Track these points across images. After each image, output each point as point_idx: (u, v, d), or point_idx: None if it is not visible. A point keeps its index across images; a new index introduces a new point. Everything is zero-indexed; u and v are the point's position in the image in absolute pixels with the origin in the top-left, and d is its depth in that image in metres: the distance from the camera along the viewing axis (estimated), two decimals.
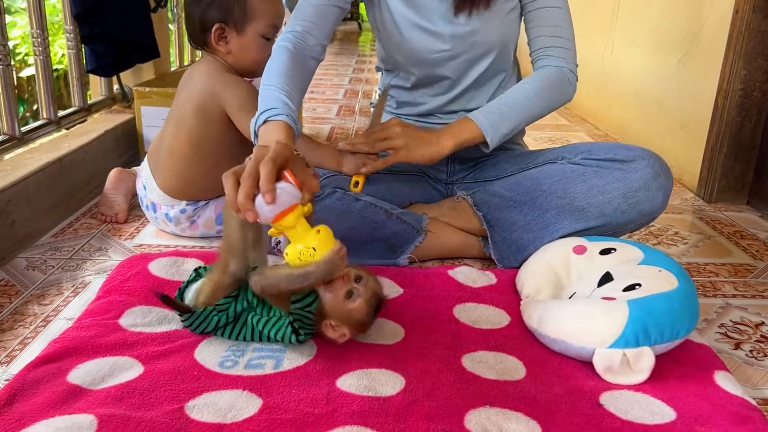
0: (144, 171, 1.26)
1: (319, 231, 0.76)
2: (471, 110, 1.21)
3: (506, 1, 1.12)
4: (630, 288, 0.84)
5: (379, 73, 1.32)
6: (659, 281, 0.84)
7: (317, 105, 2.67)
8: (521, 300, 0.96)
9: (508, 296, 0.98)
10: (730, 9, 1.51)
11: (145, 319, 0.85)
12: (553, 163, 1.13)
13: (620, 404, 0.72)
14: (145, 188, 1.25)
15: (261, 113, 0.87)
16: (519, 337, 0.86)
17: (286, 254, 0.76)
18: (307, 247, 0.74)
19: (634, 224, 1.06)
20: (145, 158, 1.28)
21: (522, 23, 1.18)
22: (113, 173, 1.36)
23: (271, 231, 0.76)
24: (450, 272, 1.04)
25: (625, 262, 0.92)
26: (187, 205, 1.23)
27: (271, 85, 0.92)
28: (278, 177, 0.73)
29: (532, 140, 2.18)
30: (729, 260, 1.24)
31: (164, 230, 1.26)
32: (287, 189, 0.73)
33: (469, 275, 1.03)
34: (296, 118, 0.89)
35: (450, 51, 1.13)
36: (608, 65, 2.32)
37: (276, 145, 0.74)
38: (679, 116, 1.77)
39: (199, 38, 1.21)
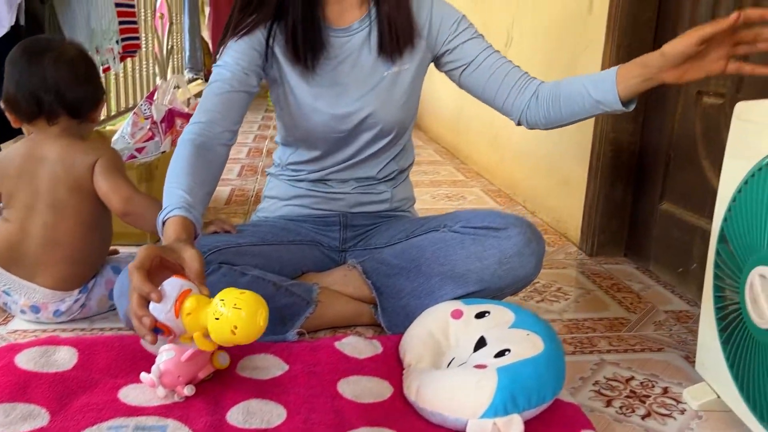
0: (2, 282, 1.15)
1: (240, 307, 0.77)
2: (363, 178, 1.25)
3: (407, 87, 1.17)
4: (500, 354, 0.88)
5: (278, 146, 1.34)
6: (526, 346, 0.88)
7: None
8: (403, 369, 0.98)
9: (392, 366, 1.00)
10: None
11: (7, 418, 0.81)
12: (436, 230, 1.17)
13: None
14: (9, 294, 1.15)
15: (160, 214, 0.90)
16: (400, 411, 0.88)
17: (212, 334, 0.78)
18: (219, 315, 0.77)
19: (511, 288, 1.11)
20: None
21: (460, 82, 1.20)
22: None
23: (183, 337, 0.80)
24: (337, 344, 1.05)
25: (498, 325, 0.96)
26: (79, 293, 1.18)
27: (171, 183, 0.94)
28: (160, 274, 0.80)
29: (430, 197, 2.26)
30: (606, 314, 1.31)
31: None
32: (168, 282, 0.78)
33: (355, 346, 1.04)
34: (195, 206, 0.91)
35: (350, 131, 1.17)
36: (499, 121, 2.45)
37: (140, 252, 0.78)
38: (562, 174, 1.89)
39: (85, 114, 1.19)
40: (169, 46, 3.98)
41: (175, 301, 0.77)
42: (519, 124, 1.18)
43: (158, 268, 0.81)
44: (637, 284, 1.49)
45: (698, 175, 1.40)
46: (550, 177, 1.98)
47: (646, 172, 1.60)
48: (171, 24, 3.92)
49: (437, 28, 1.16)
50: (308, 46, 1.11)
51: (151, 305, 0.78)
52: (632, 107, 1.04)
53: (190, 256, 0.81)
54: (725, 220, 0.94)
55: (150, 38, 3.54)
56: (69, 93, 1.13)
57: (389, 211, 1.31)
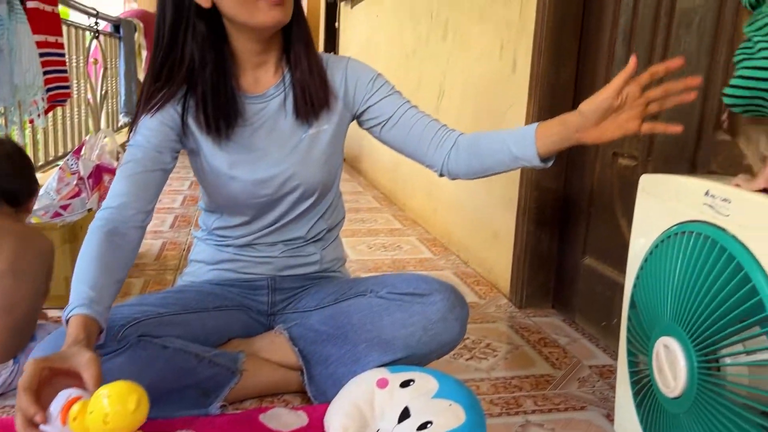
0: None
1: (108, 396, 0.74)
2: (292, 239, 1.25)
3: (327, 147, 1.19)
4: (423, 426, 0.88)
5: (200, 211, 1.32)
6: (449, 417, 0.89)
7: None
8: None
9: None
10: None
11: None
12: (363, 295, 1.18)
13: None
14: None
15: (64, 312, 0.88)
16: None
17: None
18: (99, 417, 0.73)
19: (436, 353, 1.12)
20: None
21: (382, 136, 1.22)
22: None
23: None
24: (261, 417, 1.03)
25: (422, 395, 0.97)
26: (14, 363, 1.15)
27: (77, 277, 0.92)
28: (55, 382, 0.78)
29: (367, 247, 2.27)
30: (533, 371, 1.34)
31: None
32: (56, 398, 0.76)
33: (280, 419, 1.03)
34: (99, 300, 0.89)
35: (273, 195, 1.17)
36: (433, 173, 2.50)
37: (27, 368, 0.76)
38: (492, 225, 1.94)
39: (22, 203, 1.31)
40: (104, 91, 3.90)
41: (60, 411, 0.76)
42: (441, 175, 1.20)
43: (51, 377, 0.79)
44: (564, 338, 1.52)
45: (616, 232, 1.46)
46: (480, 228, 2.02)
47: (569, 226, 1.66)
48: (105, 69, 3.86)
49: (353, 87, 1.19)
50: (222, 115, 1.10)
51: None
52: (551, 163, 1.07)
53: (85, 362, 0.78)
54: (635, 286, 0.99)
55: (83, 84, 3.47)
56: (7, 184, 1.26)
57: (319, 272, 1.31)
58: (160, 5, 1.08)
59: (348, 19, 4.48)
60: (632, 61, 0.93)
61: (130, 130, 1.12)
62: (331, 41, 5.23)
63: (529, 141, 1.04)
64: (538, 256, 1.70)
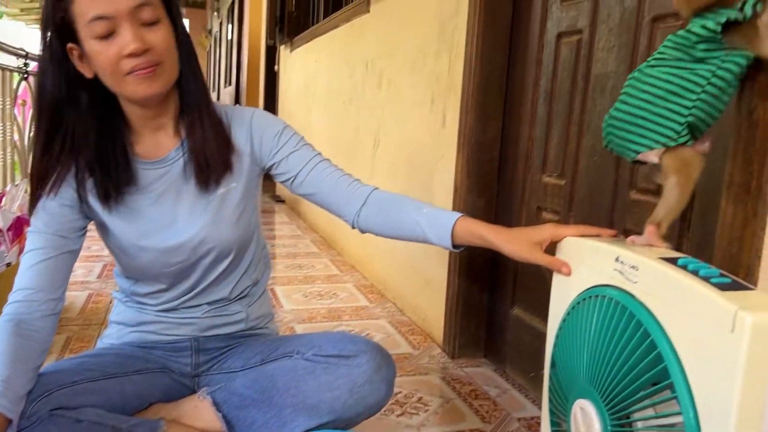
0: None
1: None
2: (216, 300, 1.22)
3: (237, 205, 1.16)
4: None
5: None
6: None
7: (76, 265, 2.50)
8: None
9: None
10: (451, 189, 1.74)
11: None
12: (289, 357, 1.16)
13: None
14: None
15: None
16: None
17: None
18: None
19: (363, 416, 1.11)
20: None
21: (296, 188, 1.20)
22: None
23: None
24: None
25: None
26: None
27: None
28: None
29: (302, 296, 2.24)
30: (462, 426, 1.34)
31: None
32: None
33: None
34: (7, 393, 0.88)
35: (186, 262, 1.14)
36: None
37: None
38: (425, 274, 1.95)
39: None
40: (31, 133, 3.77)
41: None
42: (353, 228, 1.21)
43: None
44: (494, 389, 1.54)
45: (542, 284, 1.49)
46: (415, 276, 2.04)
47: (498, 277, 1.69)
48: (34, 110, 3.74)
49: (259, 143, 1.16)
50: (112, 184, 1.06)
51: None
52: (462, 249, 1.10)
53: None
54: (555, 346, 1.01)
55: (8, 126, 3.34)
56: None
57: (245, 330, 1.28)
58: (41, 75, 1.02)
59: (287, 62, 4.51)
60: (566, 270, 0.97)
61: (31, 208, 1.07)
62: (271, 84, 5.24)
63: (445, 233, 1.06)
64: (469, 305, 1.73)
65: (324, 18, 3.45)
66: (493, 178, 1.68)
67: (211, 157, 1.10)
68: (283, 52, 4.64)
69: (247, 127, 1.16)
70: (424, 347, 1.80)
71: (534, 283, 1.53)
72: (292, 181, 1.18)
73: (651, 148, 0.85)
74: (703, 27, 0.79)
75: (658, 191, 1.13)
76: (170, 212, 1.12)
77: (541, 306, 1.49)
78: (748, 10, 0.76)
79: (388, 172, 2.31)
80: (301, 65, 4.05)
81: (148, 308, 1.22)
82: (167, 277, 1.16)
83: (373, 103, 2.51)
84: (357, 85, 2.75)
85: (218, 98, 11.73)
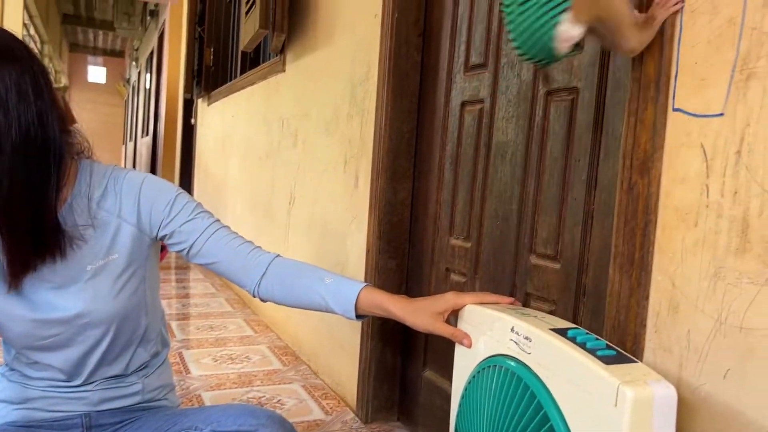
0: None
1: None
2: (109, 377, 1.15)
3: (118, 277, 1.11)
4: None
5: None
6: None
7: None
8: None
9: None
10: (363, 249, 1.75)
11: None
12: None
13: None
14: None
15: None
16: None
17: None
18: None
19: None
20: None
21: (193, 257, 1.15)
22: None
23: None
24: None
25: None
26: None
27: None
28: None
29: (212, 360, 2.16)
30: None
31: None
32: None
33: None
34: None
35: (61, 335, 1.07)
36: None
37: None
38: (339, 336, 1.93)
39: None
40: None
41: None
42: (254, 297, 1.18)
43: None
44: None
45: (452, 346, 1.49)
46: (329, 338, 2.01)
47: (410, 339, 1.69)
48: None
49: (148, 213, 1.11)
50: None
51: None
52: (365, 319, 1.10)
53: None
54: (458, 414, 1.01)
55: None
56: None
57: (142, 403, 1.21)
58: None
59: (205, 115, 4.47)
60: (467, 342, 1.00)
61: None
62: (188, 137, 5.16)
63: (349, 306, 1.06)
64: (382, 368, 1.71)
65: (241, 74, 3.46)
66: (404, 239, 1.70)
67: (78, 235, 1.04)
68: (201, 105, 4.59)
69: (135, 196, 1.11)
70: (338, 412, 1.76)
71: (445, 346, 1.54)
72: (188, 252, 1.14)
73: (560, 23, 0.75)
74: None
75: (556, 257, 1.18)
76: (44, 282, 1.05)
77: (451, 369, 1.50)
78: None
79: (303, 230, 2.29)
80: (219, 119, 4.02)
81: (34, 382, 1.14)
82: (49, 351, 1.08)
83: (289, 160, 2.51)
84: (273, 142, 2.74)
85: (135, 149, 11.42)
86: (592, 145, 1.10)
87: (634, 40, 0.82)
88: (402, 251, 1.70)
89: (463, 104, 1.49)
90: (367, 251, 1.73)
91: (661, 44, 0.84)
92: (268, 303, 1.16)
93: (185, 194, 1.17)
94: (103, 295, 1.08)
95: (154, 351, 1.22)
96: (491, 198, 1.38)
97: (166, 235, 1.14)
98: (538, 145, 1.25)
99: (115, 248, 1.09)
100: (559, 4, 0.74)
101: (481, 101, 1.42)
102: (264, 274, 1.12)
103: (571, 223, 1.15)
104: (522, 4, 0.78)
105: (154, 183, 1.14)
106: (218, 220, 1.17)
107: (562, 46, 0.76)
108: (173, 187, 1.16)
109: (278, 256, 1.15)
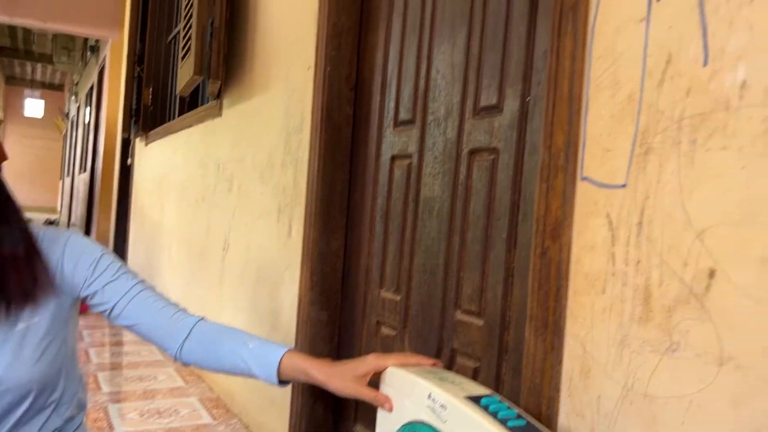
0: None
1: None
2: None
3: (40, 341, 1.06)
4: None
5: None
6: None
7: None
8: None
9: None
10: (296, 300, 1.72)
11: None
12: None
13: None
14: None
15: None
16: None
17: None
18: None
19: None
20: None
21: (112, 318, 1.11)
22: None
23: None
24: None
25: None
26: None
27: None
28: None
29: (138, 415, 2.07)
30: None
31: None
32: None
33: None
34: None
35: None
36: None
37: None
38: (270, 391, 1.88)
39: None
40: None
41: None
42: (176, 361, 1.14)
43: None
44: None
45: None
46: (259, 393, 1.96)
47: None
48: None
49: (71, 273, 1.08)
50: None
51: None
52: (288, 384, 1.08)
53: None
54: None
55: None
56: None
57: None
58: None
59: (143, 155, 4.38)
60: (388, 406, 0.99)
61: None
62: (125, 175, 5.04)
63: (272, 372, 1.05)
64: (313, 424, 1.67)
65: (179, 115, 3.41)
66: (336, 290, 1.69)
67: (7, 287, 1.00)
68: (139, 144, 4.50)
69: (59, 257, 1.07)
70: None
71: None
72: (110, 313, 1.10)
73: None
74: None
75: (480, 314, 1.19)
76: None
77: None
78: None
79: (237, 278, 2.24)
80: (156, 160, 3.94)
81: None
82: None
83: (225, 205, 2.47)
84: (209, 186, 2.70)
85: (72, 185, 11.06)
86: (512, 206, 1.13)
87: None
88: (334, 303, 1.69)
89: (393, 158, 1.51)
90: (299, 302, 1.70)
91: (569, 115, 0.88)
92: None
93: (110, 254, 1.14)
94: (23, 361, 1.03)
95: (68, 415, 1.16)
96: (419, 252, 1.39)
97: (88, 296, 1.10)
98: (462, 202, 1.27)
99: (37, 310, 1.05)
100: None
101: (410, 156, 1.44)
102: (187, 336, 1.09)
103: (493, 281, 1.16)
104: None
105: (79, 241, 1.11)
106: (142, 281, 1.14)
107: None
108: (98, 247, 1.13)
109: (202, 319, 1.13)
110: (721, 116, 0.68)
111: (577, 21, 0.86)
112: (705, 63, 0.70)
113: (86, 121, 9.29)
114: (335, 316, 1.69)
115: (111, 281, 1.10)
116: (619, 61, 0.81)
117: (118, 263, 1.13)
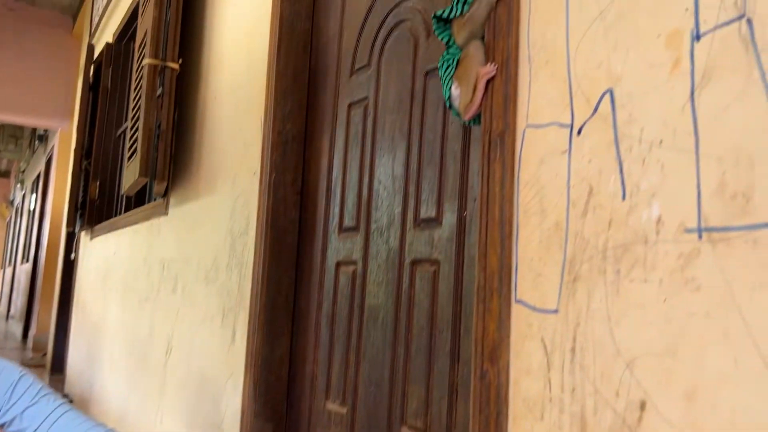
0: None
1: None
2: None
3: None
4: None
5: None
6: None
7: None
8: None
9: None
10: (239, 411, 1.65)
11: None
12: None
13: None
14: None
15: None
16: None
17: None
18: None
19: None
20: None
21: None
22: None
23: None
24: None
25: None
26: None
27: None
28: None
29: None
30: None
31: None
32: None
33: None
34: None
35: None
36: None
37: None
38: (213, 419, 1.77)
39: None
40: None
41: None
42: None
43: None
44: None
45: None
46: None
47: None
48: None
49: None
50: None
51: None
52: None
53: None
54: None
55: None
56: None
57: None
58: None
59: (87, 249, 4.26)
60: None
61: None
62: (68, 271, 4.88)
63: None
64: None
65: (125, 211, 3.36)
66: (280, 400, 1.63)
67: None
68: (84, 238, 4.39)
69: None
70: None
71: None
72: None
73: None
74: (433, 16, 1.00)
75: (426, 430, 1.16)
76: None
77: None
78: (458, 8, 0.96)
79: (178, 384, 2.15)
80: (101, 255, 3.84)
81: None
82: None
83: (168, 306, 2.40)
84: (153, 285, 2.63)
85: (13, 275, 10.61)
86: (453, 319, 1.13)
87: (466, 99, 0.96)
88: (279, 414, 1.63)
89: (338, 264, 1.51)
90: (242, 414, 1.64)
91: (501, 238, 0.90)
92: None
93: (29, 375, 1.08)
94: None
95: None
96: (365, 362, 1.37)
97: (6, 423, 1.03)
98: (406, 312, 1.26)
99: None
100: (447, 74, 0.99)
101: (354, 263, 1.44)
102: None
103: (438, 396, 1.15)
104: (442, 77, 1.02)
105: None
106: (65, 403, 1.08)
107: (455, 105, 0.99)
108: (16, 369, 1.08)
109: None
110: (640, 249, 0.71)
111: (505, 149, 0.90)
112: (623, 197, 0.74)
113: (31, 208, 9.06)
114: (280, 429, 1.62)
115: (30, 405, 1.04)
116: (545, 189, 0.84)
117: (38, 384, 1.08)
